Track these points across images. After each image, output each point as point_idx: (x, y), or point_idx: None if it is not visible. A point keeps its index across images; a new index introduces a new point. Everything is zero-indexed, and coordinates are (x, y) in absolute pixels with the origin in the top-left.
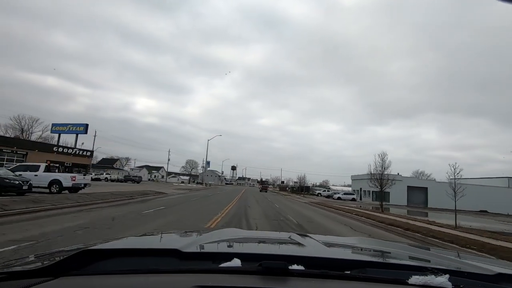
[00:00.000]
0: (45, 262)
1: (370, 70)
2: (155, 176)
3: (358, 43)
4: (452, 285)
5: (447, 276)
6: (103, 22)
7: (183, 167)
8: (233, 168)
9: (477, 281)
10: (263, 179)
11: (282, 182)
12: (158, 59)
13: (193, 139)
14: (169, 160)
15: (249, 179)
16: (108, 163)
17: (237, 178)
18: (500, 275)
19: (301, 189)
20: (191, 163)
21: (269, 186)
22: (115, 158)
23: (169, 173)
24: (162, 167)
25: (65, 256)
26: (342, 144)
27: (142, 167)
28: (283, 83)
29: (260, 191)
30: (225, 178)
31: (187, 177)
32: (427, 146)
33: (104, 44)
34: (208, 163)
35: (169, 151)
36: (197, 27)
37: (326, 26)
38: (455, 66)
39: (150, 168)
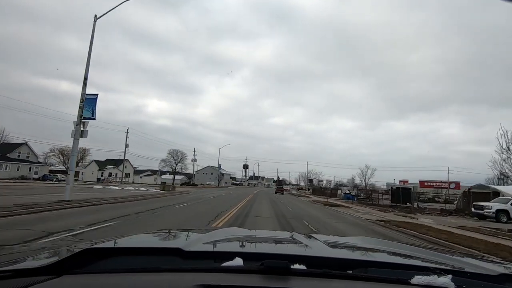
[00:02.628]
0: (48, 261)
1: (388, 61)
2: (110, 174)
3: (375, 33)
4: (455, 285)
5: (450, 276)
6: (110, 22)
7: (163, 160)
8: (245, 167)
9: (480, 282)
10: (280, 178)
11: (310, 181)
12: (167, 59)
13: (205, 141)
14: (127, 146)
15: (263, 178)
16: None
17: (247, 177)
18: (503, 275)
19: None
20: (175, 154)
21: (288, 186)
22: (18, 143)
23: (141, 171)
24: (126, 160)
25: (68, 255)
26: (358, 142)
27: (97, 161)
28: (295, 79)
29: (276, 192)
30: (231, 178)
31: (180, 176)
32: (450, 141)
33: (113, 46)
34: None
35: (127, 132)
36: (205, 24)
37: (341, 15)
38: (482, 51)
39: (102, 164)
